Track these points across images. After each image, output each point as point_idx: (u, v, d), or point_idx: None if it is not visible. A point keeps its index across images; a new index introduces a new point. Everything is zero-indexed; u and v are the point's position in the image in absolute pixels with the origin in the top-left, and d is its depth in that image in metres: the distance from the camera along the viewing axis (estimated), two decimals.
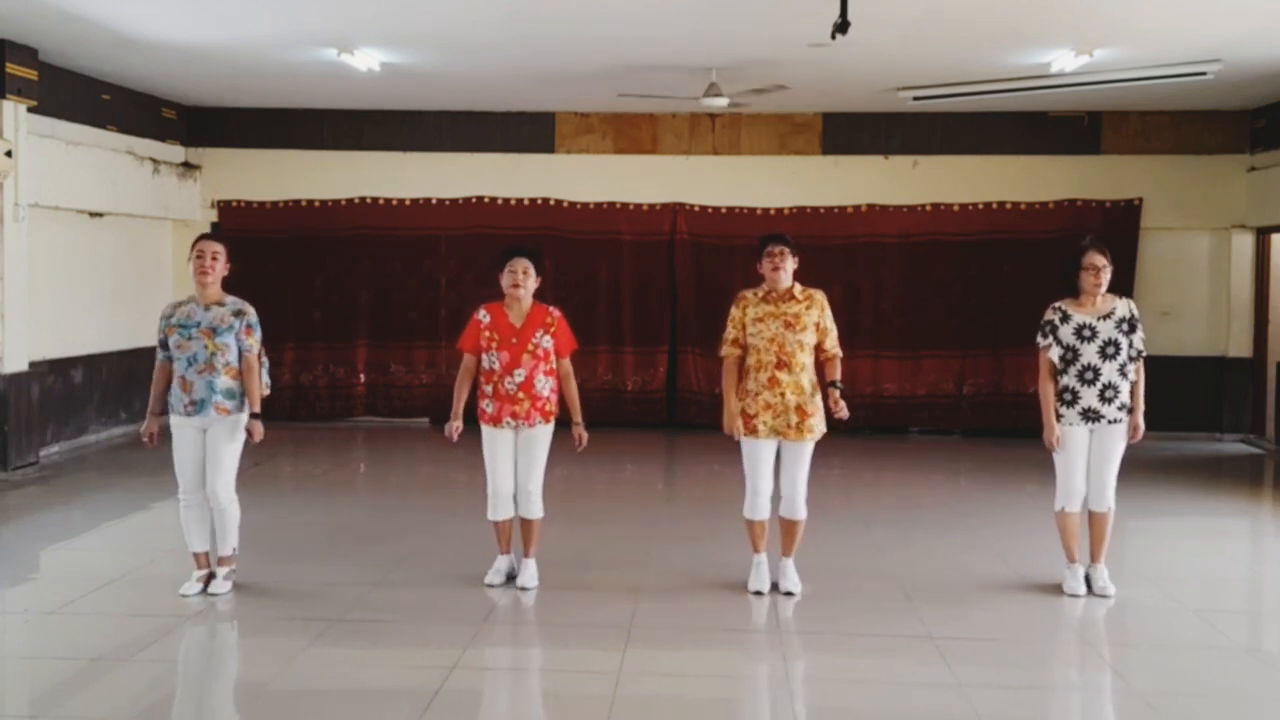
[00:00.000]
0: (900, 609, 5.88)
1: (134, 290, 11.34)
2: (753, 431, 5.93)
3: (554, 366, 6.09)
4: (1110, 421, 5.98)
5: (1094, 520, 6.12)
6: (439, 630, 5.50)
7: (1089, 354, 5.96)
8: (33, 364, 9.45)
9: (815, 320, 5.93)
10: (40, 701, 4.69)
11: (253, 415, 5.89)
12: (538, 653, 5.54)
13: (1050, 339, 6.05)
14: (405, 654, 5.24)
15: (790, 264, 5.94)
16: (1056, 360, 6.03)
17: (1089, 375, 5.97)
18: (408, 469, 10.20)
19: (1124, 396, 5.99)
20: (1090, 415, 5.99)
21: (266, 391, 6.01)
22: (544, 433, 6.07)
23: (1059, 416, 6.04)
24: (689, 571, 6.51)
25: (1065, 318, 6.04)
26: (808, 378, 5.92)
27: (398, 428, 11.98)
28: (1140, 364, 6.05)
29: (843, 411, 5.92)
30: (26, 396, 9.28)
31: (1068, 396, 6.02)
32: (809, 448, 5.97)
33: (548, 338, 6.04)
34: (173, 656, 5.21)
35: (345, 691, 4.79)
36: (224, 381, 5.82)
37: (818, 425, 5.94)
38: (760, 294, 6.01)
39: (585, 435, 6.17)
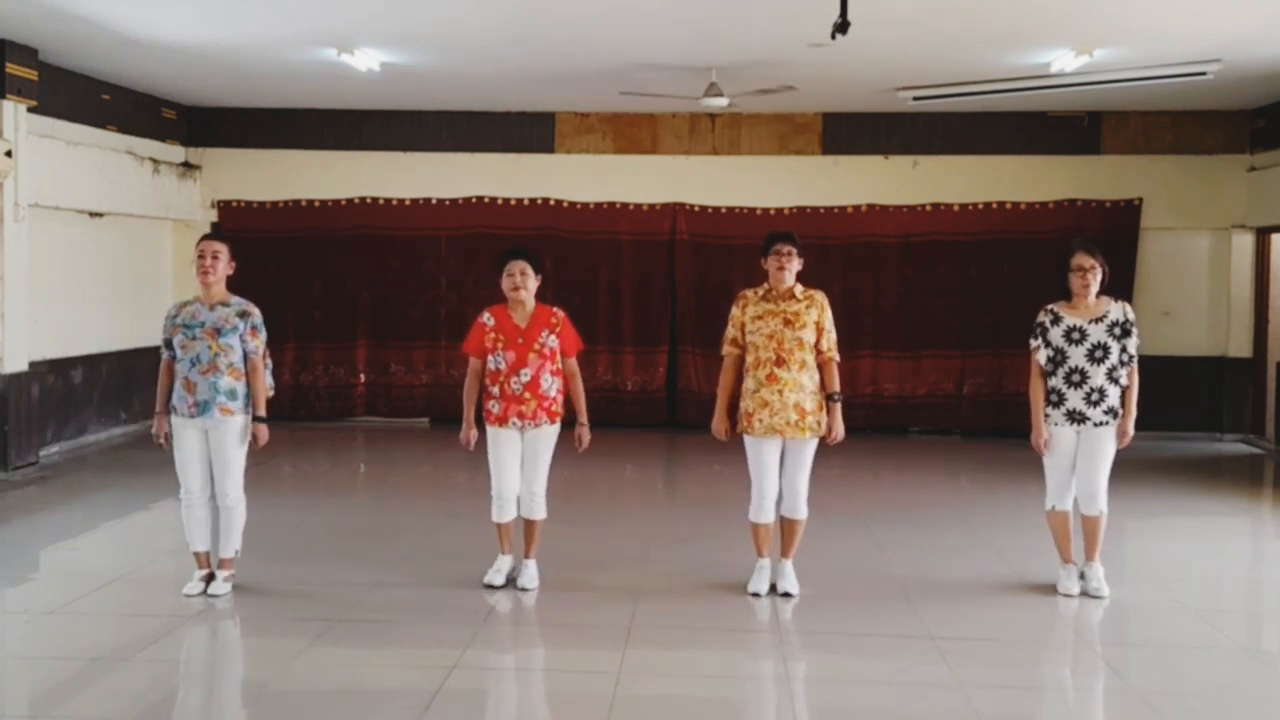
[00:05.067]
0: (900, 609, 5.88)
1: (134, 290, 11.35)
2: (750, 429, 5.94)
3: (560, 366, 6.09)
4: (1097, 424, 5.99)
5: (1085, 524, 6.12)
6: (439, 630, 5.49)
7: (1076, 357, 5.97)
8: (33, 364, 9.45)
9: (815, 319, 5.91)
10: (40, 701, 4.69)
11: (257, 419, 5.89)
12: (538, 653, 5.54)
13: (1039, 341, 6.07)
14: (405, 654, 5.23)
15: (795, 264, 5.93)
16: (1044, 362, 6.05)
17: (1075, 378, 5.98)
18: (408, 469, 10.20)
19: (1112, 400, 5.98)
20: (1076, 417, 5.99)
21: (270, 393, 6.01)
22: (550, 433, 6.07)
23: (1045, 417, 6.06)
24: (689, 571, 6.51)
25: (1056, 320, 6.05)
26: (809, 376, 5.89)
27: (398, 428, 11.98)
28: (1133, 369, 6.04)
29: (837, 434, 5.92)
30: (26, 396, 9.28)
31: (1054, 398, 6.04)
32: (810, 446, 5.96)
33: (553, 337, 6.04)
34: (173, 656, 5.21)
35: (345, 691, 4.79)
36: (227, 382, 5.82)
37: (818, 423, 5.92)
38: (761, 293, 6.01)
39: (588, 436, 6.17)
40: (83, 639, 5.36)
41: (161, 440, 5.95)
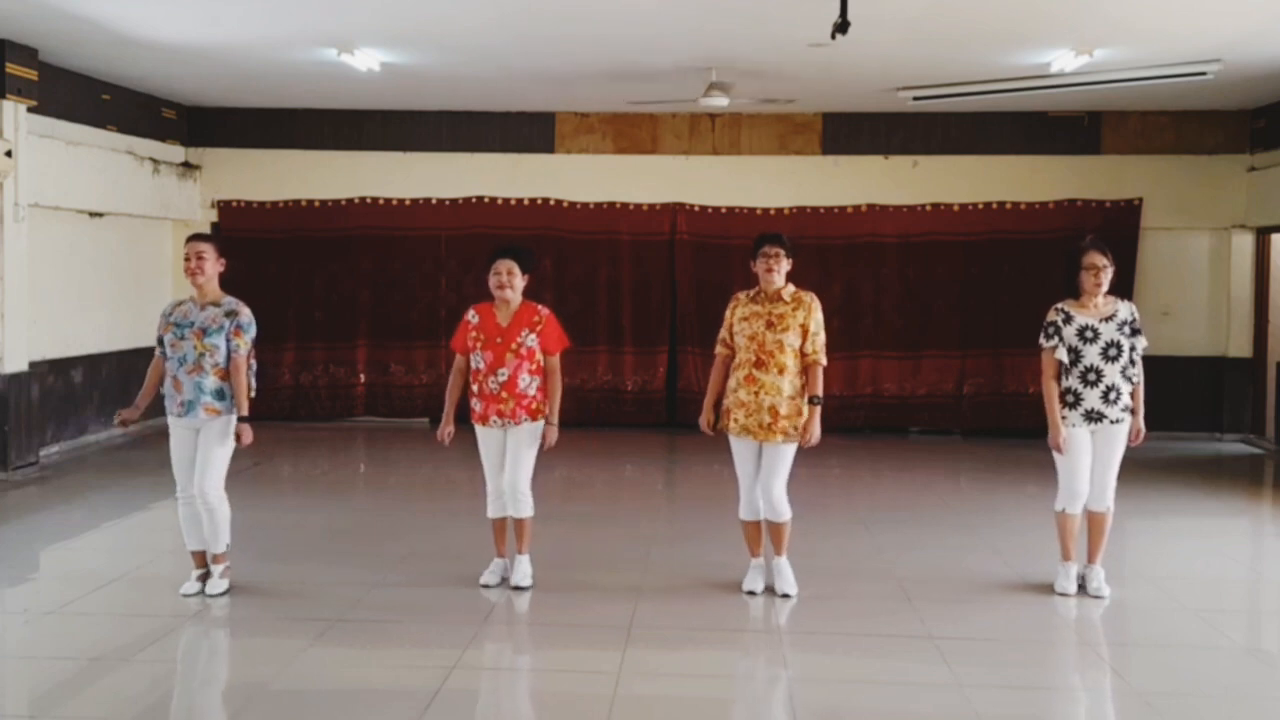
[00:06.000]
0: (900, 609, 5.88)
1: (134, 290, 11.35)
2: (728, 427, 5.96)
3: (541, 365, 6.08)
4: (1113, 422, 5.99)
5: (1092, 520, 6.12)
6: (439, 630, 5.50)
7: (1091, 355, 5.96)
8: (33, 364, 9.45)
9: (801, 322, 5.89)
10: (40, 701, 4.69)
11: (241, 419, 5.86)
12: (537, 653, 5.53)
13: (1056, 340, 6.04)
14: (405, 654, 5.24)
15: (784, 266, 5.92)
16: (1065, 359, 6.03)
17: (1091, 377, 5.96)
18: (408, 469, 10.19)
19: (1125, 398, 6.00)
20: (1093, 416, 5.98)
21: (251, 394, 5.95)
22: (530, 431, 6.04)
23: (1063, 419, 6.02)
24: (689, 571, 6.52)
25: (1068, 319, 6.02)
26: (789, 380, 5.87)
27: (398, 428, 11.98)
28: (1140, 367, 6.05)
29: (810, 438, 5.88)
30: (26, 396, 9.27)
31: (1070, 398, 6.01)
32: (786, 451, 5.92)
33: (533, 336, 6.01)
34: (173, 656, 5.21)
35: (345, 691, 4.80)
36: (212, 382, 5.80)
37: (793, 428, 5.88)
38: (751, 295, 6.03)
39: (554, 434, 6.07)
40: (83, 639, 5.35)
41: (118, 422, 5.92)
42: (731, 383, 5.98)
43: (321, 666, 5.05)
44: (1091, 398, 5.97)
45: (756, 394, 5.87)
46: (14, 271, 9.09)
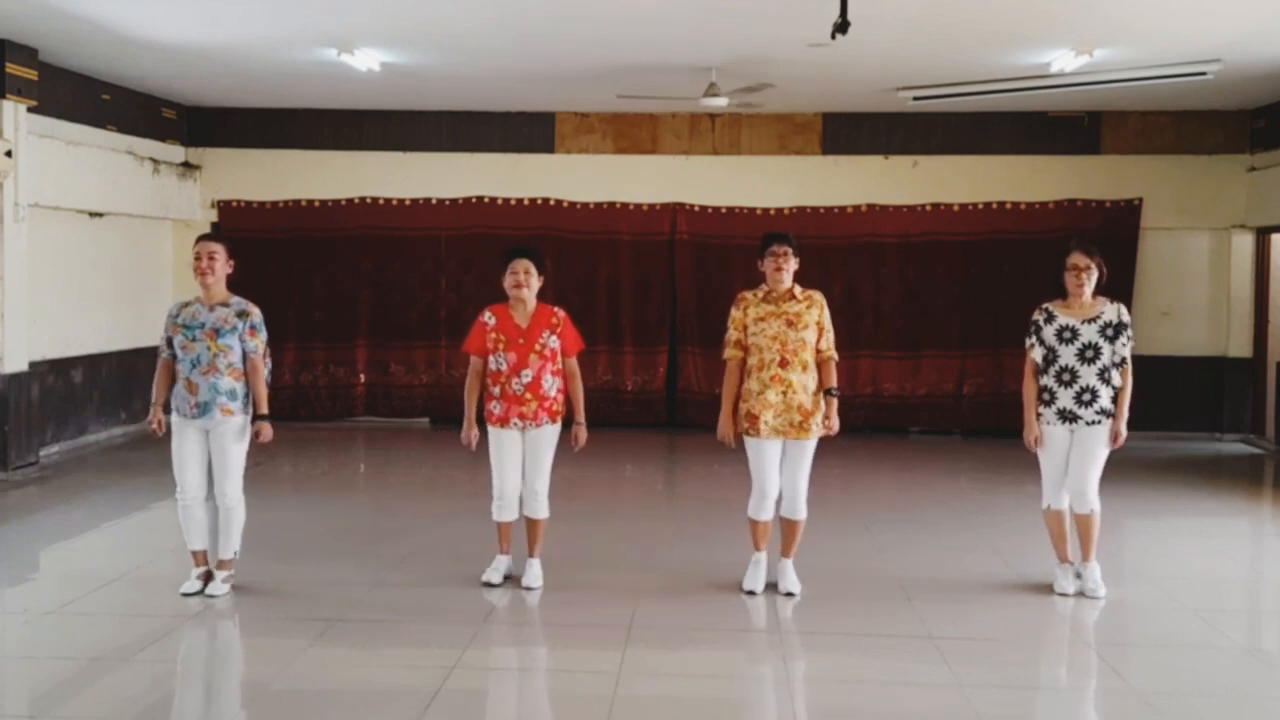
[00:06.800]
0: (900, 609, 5.88)
1: (134, 290, 11.35)
2: (756, 431, 5.93)
3: (560, 366, 6.10)
4: (1089, 423, 6.00)
5: (1078, 523, 6.14)
6: (439, 630, 5.50)
7: (1067, 356, 5.99)
8: (33, 364, 9.45)
9: (816, 319, 5.94)
10: (40, 701, 4.69)
11: (261, 417, 5.89)
12: (538, 652, 5.54)
13: (1034, 339, 6.10)
14: (405, 654, 5.24)
15: (792, 265, 5.94)
16: (1039, 361, 6.07)
17: (1065, 377, 6.00)
18: (408, 469, 10.19)
19: (1104, 401, 5.99)
20: (1067, 416, 6.02)
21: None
22: (551, 433, 6.08)
23: (1038, 415, 6.09)
24: (689, 571, 6.51)
25: (1050, 318, 6.08)
26: (810, 378, 5.92)
27: (398, 428, 11.98)
28: (1126, 371, 6.03)
29: (833, 426, 5.94)
30: (26, 396, 9.27)
31: (1046, 396, 6.07)
32: (811, 447, 5.98)
33: (554, 338, 6.05)
34: (173, 656, 5.21)
35: (345, 691, 4.80)
36: (227, 383, 5.81)
37: (817, 425, 5.95)
38: (760, 294, 6.01)
39: (584, 435, 6.18)
40: (83, 639, 5.35)
41: (156, 428, 5.88)
42: (752, 385, 5.93)
43: (321, 666, 5.05)
44: (1065, 397, 6.01)
45: (785, 394, 5.87)
46: (14, 271, 9.09)
